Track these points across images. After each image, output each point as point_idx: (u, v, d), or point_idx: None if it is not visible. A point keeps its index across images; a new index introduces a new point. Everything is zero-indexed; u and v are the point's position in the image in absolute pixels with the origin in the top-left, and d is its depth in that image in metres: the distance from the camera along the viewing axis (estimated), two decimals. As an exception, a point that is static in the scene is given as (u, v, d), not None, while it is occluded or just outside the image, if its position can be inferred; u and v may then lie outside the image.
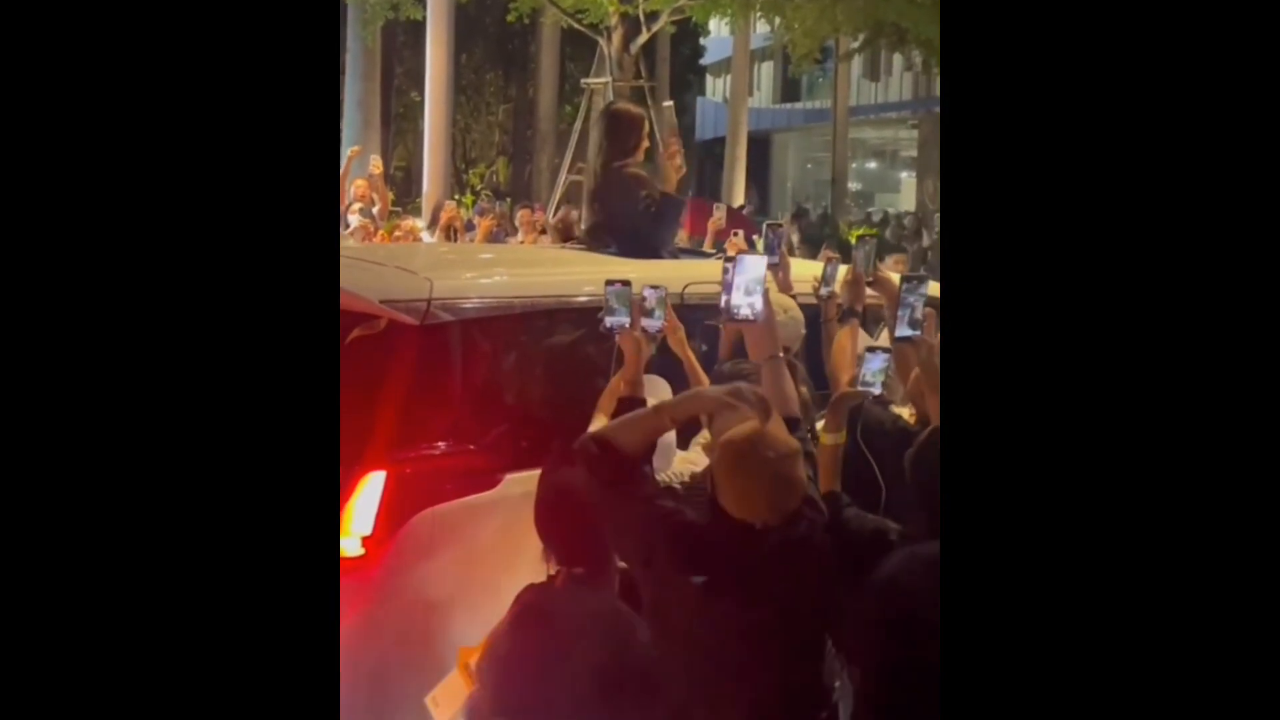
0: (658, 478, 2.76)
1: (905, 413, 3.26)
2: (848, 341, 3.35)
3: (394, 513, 3.07)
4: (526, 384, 3.58)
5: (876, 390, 3.00)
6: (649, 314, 3.06)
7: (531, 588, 2.72)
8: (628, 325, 3.04)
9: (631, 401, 2.92)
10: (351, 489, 3.03)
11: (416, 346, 3.27)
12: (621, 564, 2.68)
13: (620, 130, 4.53)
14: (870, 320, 3.80)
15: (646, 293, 3.08)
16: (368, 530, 3.04)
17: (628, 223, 4.40)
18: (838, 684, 2.55)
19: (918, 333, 3.02)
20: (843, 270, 3.82)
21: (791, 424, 2.55)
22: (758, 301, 2.73)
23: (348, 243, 7.74)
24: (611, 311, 3.07)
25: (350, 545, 3.02)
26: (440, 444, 3.26)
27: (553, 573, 2.68)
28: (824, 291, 3.70)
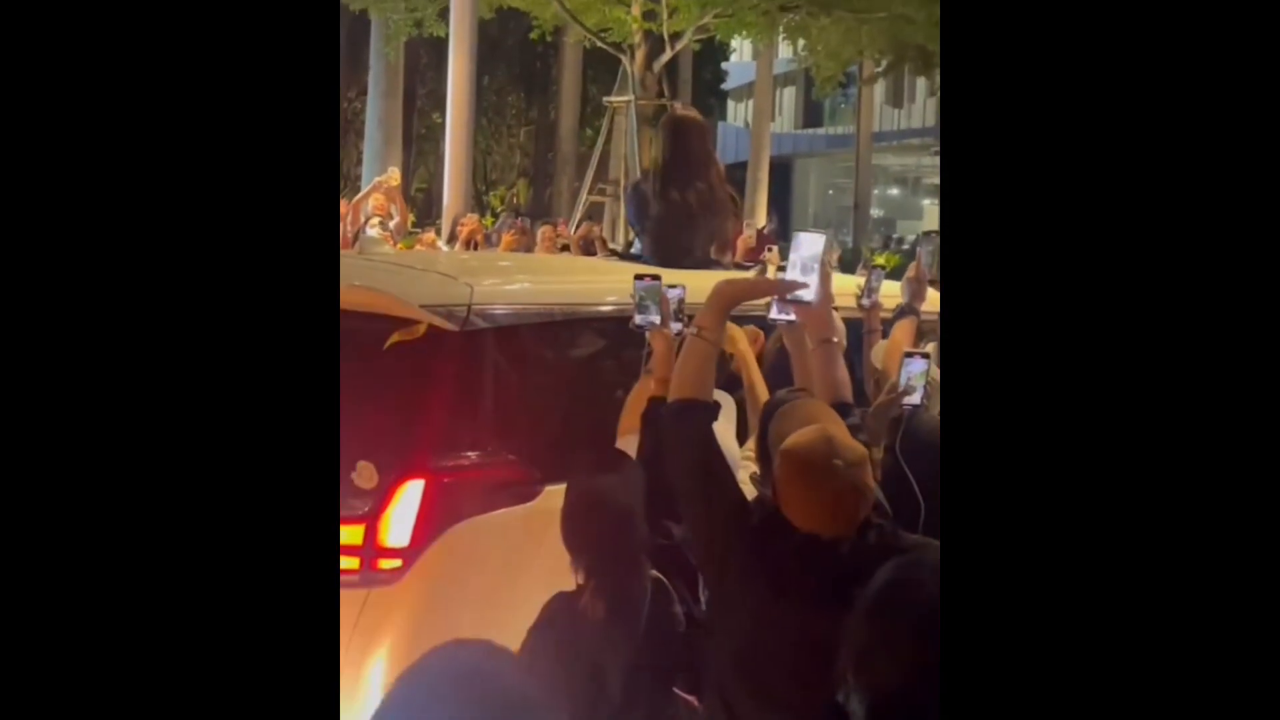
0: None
1: None
2: (901, 336, 3.23)
3: (431, 523, 2.96)
4: (567, 394, 3.47)
5: (917, 396, 2.89)
6: (677, 318, 2.93)
7: (561, 595, 2.61)
8: (658, 324, 2.91)
9: (662, 401, 2.81)
10: (389, 498, 2.93)
11: (456, 353, 3.17)
12: (654, 574, 2.58)
13: (688, 139, 4.20)
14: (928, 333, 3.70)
15: (669, 293, 2.95)
16: (405, 541, 2.93)
17: (696, 235, 4.14)
18: None
19: None
20: (887, 283, 3.72)
21: (843, 409, 2.46)
22: (814, 281, 2.62)
23: (383, 248, 7.70)
24: (643, 310, 2.93)
25: (386, 555, 2.92)
26: (480, 454, 3.15)
27: (581, 582, 2.57)
28: (866, 302, 3.58)
